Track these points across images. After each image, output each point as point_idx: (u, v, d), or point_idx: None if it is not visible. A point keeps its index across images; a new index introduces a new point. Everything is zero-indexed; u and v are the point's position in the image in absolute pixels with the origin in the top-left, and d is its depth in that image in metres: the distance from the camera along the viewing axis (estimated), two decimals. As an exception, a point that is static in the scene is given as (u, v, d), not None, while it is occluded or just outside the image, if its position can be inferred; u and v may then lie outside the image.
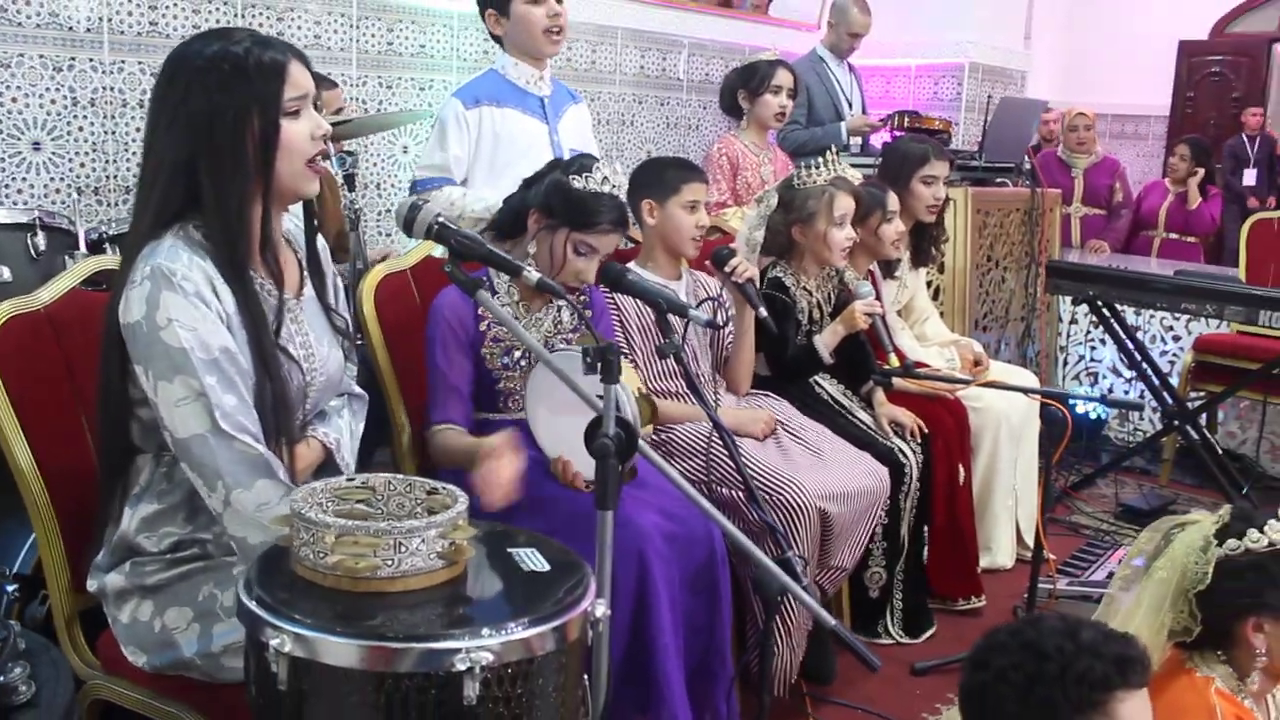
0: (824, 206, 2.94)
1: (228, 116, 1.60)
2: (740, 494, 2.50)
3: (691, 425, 2.66)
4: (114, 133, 3.48)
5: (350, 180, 2.67)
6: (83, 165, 3.42)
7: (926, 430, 3.05)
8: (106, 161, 3.47)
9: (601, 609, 1.35)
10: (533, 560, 1.39)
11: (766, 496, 2.47)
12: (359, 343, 2.61)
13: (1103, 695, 1.29)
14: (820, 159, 2.99)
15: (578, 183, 2.27)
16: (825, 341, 2.96)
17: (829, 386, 3.11)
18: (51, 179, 3.35)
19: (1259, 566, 1.63)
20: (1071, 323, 4.92)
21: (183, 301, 1.57)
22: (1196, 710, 1.64)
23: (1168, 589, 1.71)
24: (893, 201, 3.25)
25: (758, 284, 2.73)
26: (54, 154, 3.36)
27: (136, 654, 1.70)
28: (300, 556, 1.29)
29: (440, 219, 1.66)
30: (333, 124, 2.73)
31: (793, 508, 2.47)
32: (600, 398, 1.60)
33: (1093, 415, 4.71)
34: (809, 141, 4.50)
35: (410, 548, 1.26)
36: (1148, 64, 8.32)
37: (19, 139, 3.29)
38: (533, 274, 1.68)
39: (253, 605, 1.24)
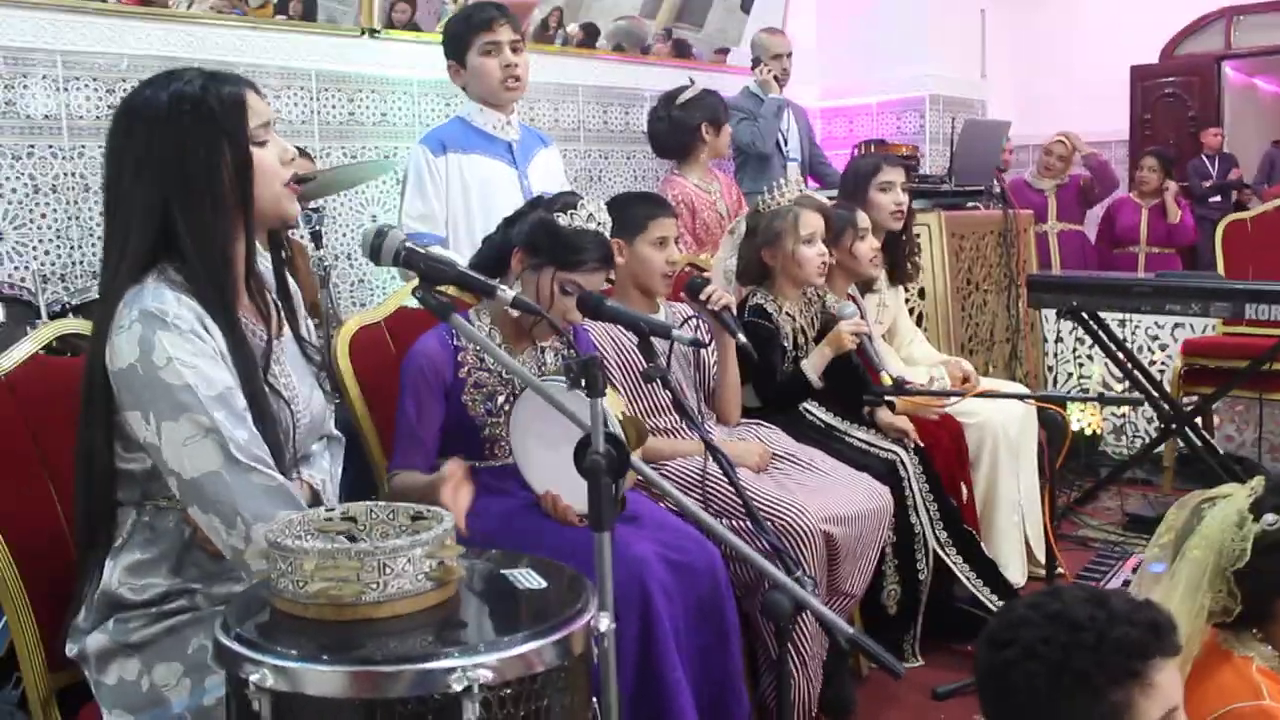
0: (790, 225, 2.91)
1: (199, 154, 1.57)
2: (741, 524, 2.42)
3: (685, 460, 2.59)
4: (77, 218, 3.44)
5: (317, 237, 2.63)
6: (47, 253, 3.38)
7: (923, 445, 2.99)
8: (71, 247, 3.43)
9: (606, 622, 1.28)
10: (529, 579, 1.32)
11: (769, 523, 2.38)
12: (337, 400, 2.56)
13: (1141, 664, 1.21)
14: (781, 182, 2.98)
15: (563, 220, 2.23)
16: (813, 365, 2.90)
17: (820, 413, 3.05)
18: (15, 268, 3.30)
19: None
20: (1057, 341, 4.88)
21: (179, 339, 1.52)
22: (1241, 692, 1.56)
23: (1204, 569, 1.63)
24: (863, 219, 3.22)
25: (734, 310, 2.68)
26: (17, 243, 3.31)
27: (123, 717, 1.60)
28: (279, 589, 1.21)
29: (408, 244, 1.61)
30: (298, 182, 2.70)
31: (796, 532, 2.39)
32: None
33: (1089, 431, 4.65)
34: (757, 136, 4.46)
35: (395, 569, 1.18)
36: (1102, 90, 8.40)
37: (-20, 230, 3.25)
38: (508, 293, 1.63)
39: (231, 643, 1.15)
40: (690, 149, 3.92)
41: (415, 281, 2.55)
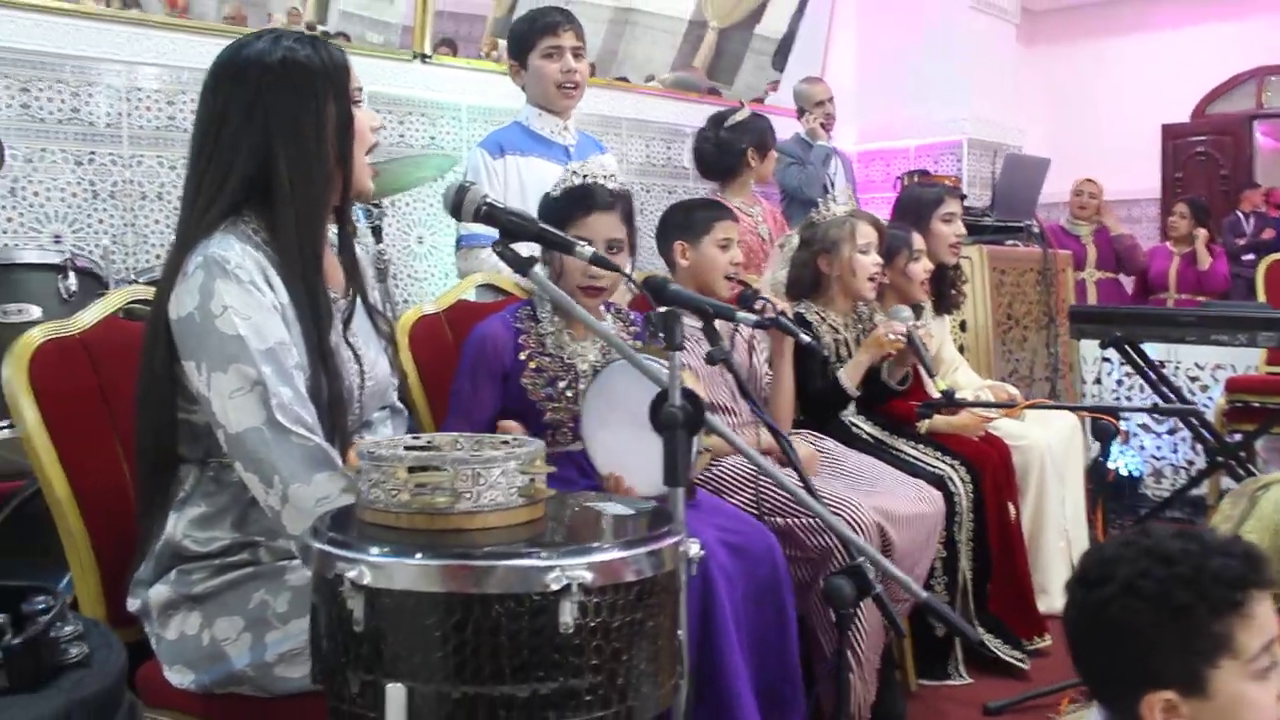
0: (847, 234, 2.93)
1: (311, 105, 1.61)
2: (796, 522, 2.41)
3: (738, 460, 2.57)
4: (133, 225, 3.49)
5: (377, 232, 2.66)
6: (103, 257, 3.41)
7: (974, 465, 2.97)
8: (126, 253, 3.48)
9: (695, 549, 1.26)
10: (615, 508, 1.31)
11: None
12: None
13: (1240, 594, 1.18)
14: (834, 195, 3.01)
15: (554, 193, 2.28)
16: (849, 374, 2.87)
17: (867, 427, 3.04)
18: (72, 269, 3.34)
19: None
20: (1096, 381, 4.86)
21: (237, 289, 1.53)
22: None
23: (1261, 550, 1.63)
24: (918, 240, 3.24)
25: (789, 314, 2.68)
26: (75, 245, 3.35)
27: (183, 673, 1.59)
28: (370, 500, 1.20)
29: (489, 199, 1.63)
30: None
31: (852, 526, 2.36)
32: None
33: (1131, 472, 4.62)
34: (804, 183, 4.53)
35: (489, 480, 1.17)
36: (1134, 149, 8.45)
37: (40, 231, 3.30)
38: (586, 249, 1.64)
39: (322, 545, 1.15)
40: (735, 172, 3.91)
41: (476, 277, 2.61)
